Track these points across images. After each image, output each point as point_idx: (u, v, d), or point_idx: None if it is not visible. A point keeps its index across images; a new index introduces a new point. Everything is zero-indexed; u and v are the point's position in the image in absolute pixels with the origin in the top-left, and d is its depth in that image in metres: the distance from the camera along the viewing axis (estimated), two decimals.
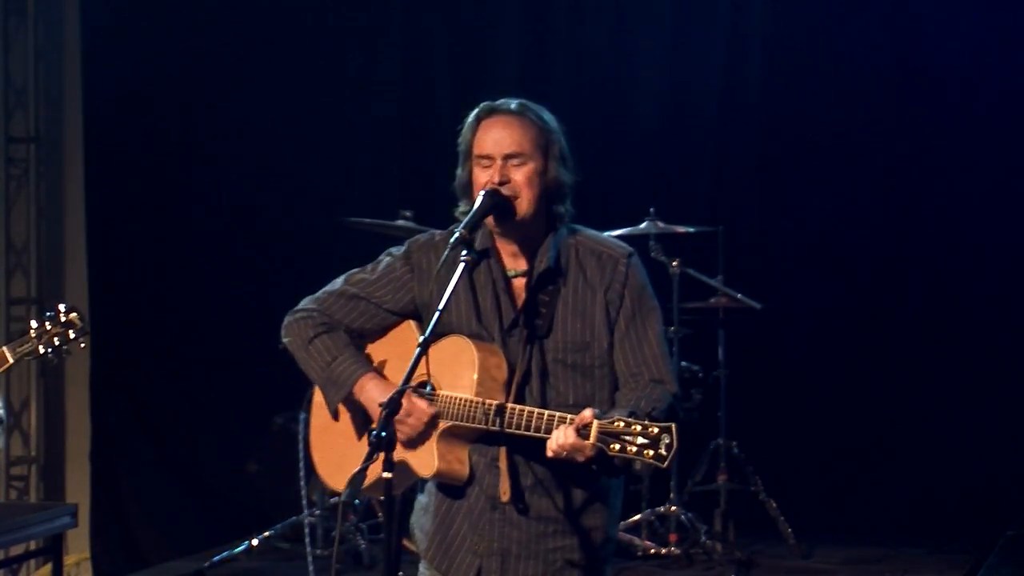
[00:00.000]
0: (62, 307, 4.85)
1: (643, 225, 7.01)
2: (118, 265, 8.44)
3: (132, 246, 8.41)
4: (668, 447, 3.37)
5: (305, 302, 3.87)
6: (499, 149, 3.66)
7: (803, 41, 7.91)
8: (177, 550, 7.76)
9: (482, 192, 3.65)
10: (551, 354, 3.67)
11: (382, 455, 3.36)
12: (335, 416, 3.82)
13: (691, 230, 7.15)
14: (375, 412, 3.63)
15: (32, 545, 6.45)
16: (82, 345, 4.91)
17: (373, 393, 3.69)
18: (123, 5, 8.38)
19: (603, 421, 3.42)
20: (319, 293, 3.87)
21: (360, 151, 8.34)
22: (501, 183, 3.64)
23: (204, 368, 8.31)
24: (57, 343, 4.81)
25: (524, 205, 3.66)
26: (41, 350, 4.81)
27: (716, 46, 7.98)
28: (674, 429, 3.37)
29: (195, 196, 8.35)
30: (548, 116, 3.74)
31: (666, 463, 3.37)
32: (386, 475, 3.37)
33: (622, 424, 3.39)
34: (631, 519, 6.94)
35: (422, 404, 3.65)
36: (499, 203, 3.64)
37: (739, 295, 7.15)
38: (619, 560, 6.67)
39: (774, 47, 7.95)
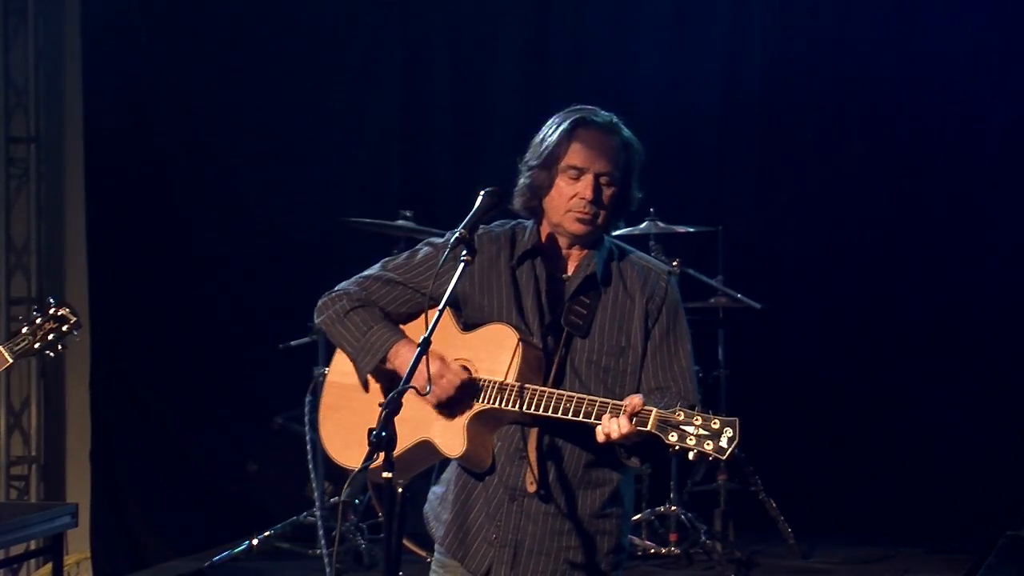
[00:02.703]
0: (52, 301, 4.87)
1: (643, 225, 6.99)
2: (118, 265, 8.43)
3: (132, 246, 8.41)
4: (730, 440, 3.41)
5: (341, 285, 3.88)
6: (594, 165, 3.70)
7: (803, 41, 7.92)
8: (177, 550, 7.76)
9: (482, 192, 3.66)
10: (586, 355, 3.69)
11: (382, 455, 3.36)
12: (364, 387, 3.80)
13: (691, 230, 7.14)
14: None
15: (32, 545, 6.46)
16: (76, 338, 4.93)
17: (407, 357, 3.65)
18: (123, 6, 8.39)
19: (663, 411, 3.42)
20: (355, 277, 3.87)
21: (360, 151, 8.34)
22: (594, 200, 3.66)
23: (204, 368, 8.31)
24: (52, 338, 4.84)
25: (599, 224, 3.71)
26: (37, 346, 4.84)
27: (716, 46, 7.99)
28: (738, 424, 3.40)
29: (195, 196, 8.34)
30: (630, 134, 3.82)
31: (726, 456, 3.39)
32: (386, 475, 3.36)
33: (683, 415, 3.41)
34: (631, 519, 6.93)
35: (455, 368, 3.64)
36: (499, 204, 3.65)
37: (739, 295, 7.15)
38: None
39: (774, 48, 7.96)
